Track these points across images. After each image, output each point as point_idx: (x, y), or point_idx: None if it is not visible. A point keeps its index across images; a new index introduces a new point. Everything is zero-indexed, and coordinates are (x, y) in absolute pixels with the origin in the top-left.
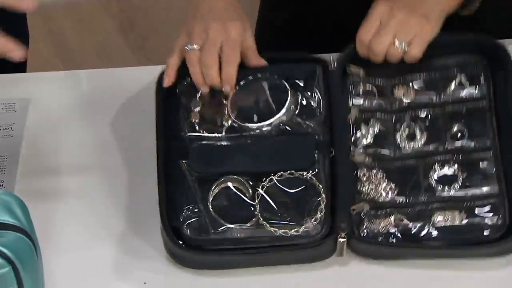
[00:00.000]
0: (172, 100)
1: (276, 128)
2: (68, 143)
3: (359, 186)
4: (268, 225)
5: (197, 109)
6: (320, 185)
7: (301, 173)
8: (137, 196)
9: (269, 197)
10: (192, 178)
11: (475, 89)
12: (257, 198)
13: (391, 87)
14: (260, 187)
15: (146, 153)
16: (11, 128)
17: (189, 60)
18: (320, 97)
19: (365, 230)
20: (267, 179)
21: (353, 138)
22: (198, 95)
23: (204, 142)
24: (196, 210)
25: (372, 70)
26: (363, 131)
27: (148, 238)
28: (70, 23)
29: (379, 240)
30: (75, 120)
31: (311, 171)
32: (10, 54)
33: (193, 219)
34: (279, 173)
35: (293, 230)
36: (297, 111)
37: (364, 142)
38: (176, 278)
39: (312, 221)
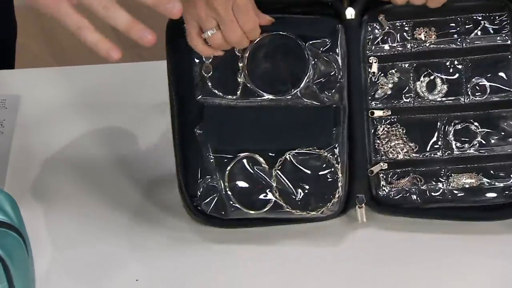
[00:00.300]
0: (184, 56)
1: (293, 97)
2: (60, 139)
3: (377, 145)
4: (287, 208)
5: (209, 61)
6: (337, 165)
7: (319, 151)
8: (130, 188)
9: (287, 178)
10: (208, 152)
11: (500, 37)
12: (275, 180)
13: (411, 29)
14: (277, 166)
15: (139, 148)
16: (2, 124)
17: (216, 46)
18: (340, 63)
19: (382, 190)
20: (284, 157)
21: (372, 93)
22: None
23: (217, 103)
24: (213, 184)
25: (390, 12)
26: (383, 83)
27: (141, 234)
28: None
29: (396, 200)
30: (67, 116)
31: (329, 148)
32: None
33: (211, 196)
34: (296, 150)
35: (311, 213)
36: (316, 79)
37: (384, 94)
38: (167, 275)
39: (329, 206)
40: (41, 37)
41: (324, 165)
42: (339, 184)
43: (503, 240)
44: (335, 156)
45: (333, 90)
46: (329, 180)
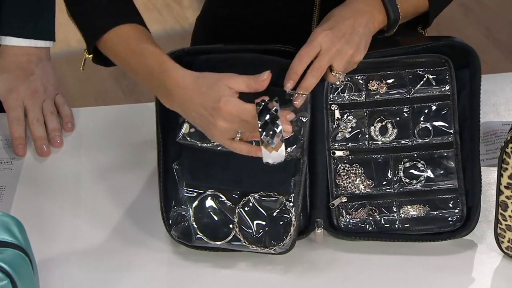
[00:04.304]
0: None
1: None
2: (62, 173)
3: (338, 181)
4: (245, 242)
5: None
6: (293, 210)
7: (278, 196)
8: (123, 215)
9: (247, 216)
10: (182, 186)
11: (442, 88)
12: (237, 216)
13: (366, 81)
14: (240, 205)
15: (131, 179)
16: (12, 162)
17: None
18: (302, 123)
19: (342, 220)
20: (248, 198)
21: (334, 135)
22: None
23: (195, 148)
24: (183, 213)
25: None
26: (342, 127)
27: (139, 254)
28: (71, 71)
29: (354, 229)
30: (69, 152)
31: (287, 194)
32: None
33: (180, 224)
34: (259, 193)
35: (265, 249)
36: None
37: (343, 137)
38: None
39: (281, 245)
40: None
41: (281, 208)
42: (292, 228)
43: (443, 257)
44: (291, 201)
45: (295, 146)
46: (284, 222)
